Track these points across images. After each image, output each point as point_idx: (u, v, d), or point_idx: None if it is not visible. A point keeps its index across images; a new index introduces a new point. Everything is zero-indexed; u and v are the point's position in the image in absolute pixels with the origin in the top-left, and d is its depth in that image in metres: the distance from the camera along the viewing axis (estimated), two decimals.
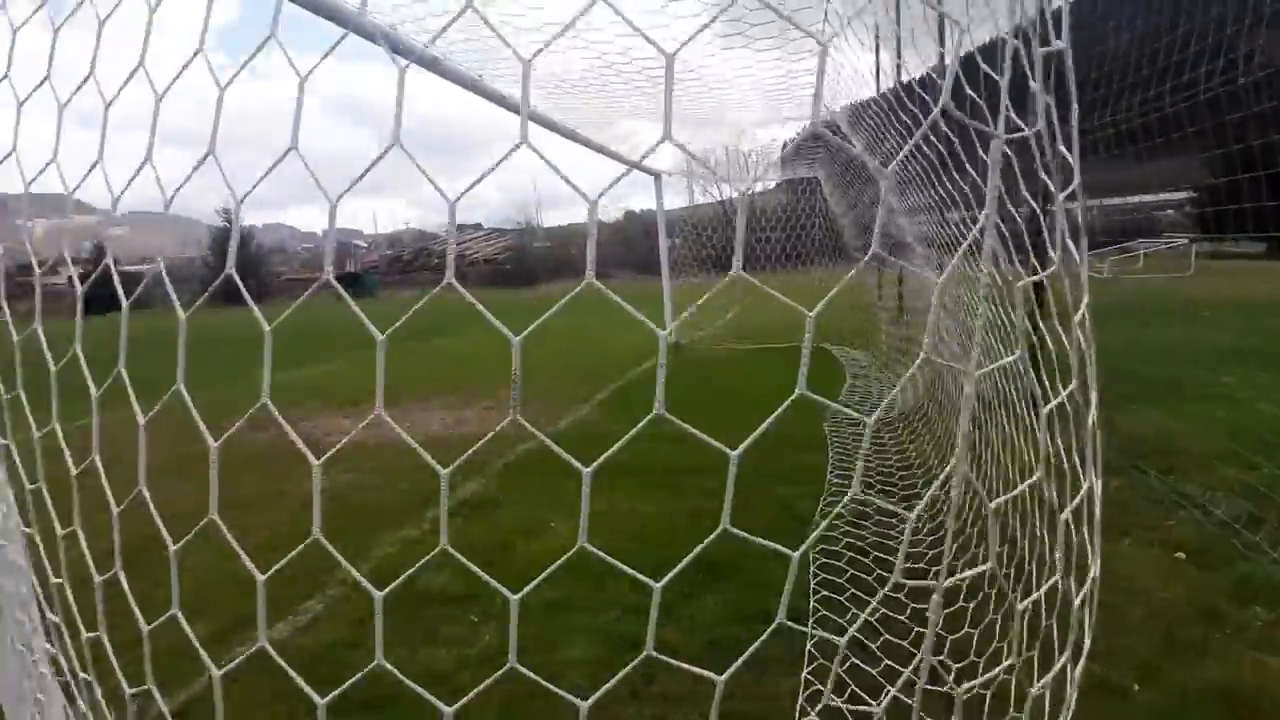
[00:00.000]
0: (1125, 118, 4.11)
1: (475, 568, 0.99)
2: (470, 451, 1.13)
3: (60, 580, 1.49)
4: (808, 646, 2.27)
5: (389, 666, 0.96)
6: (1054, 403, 1.01)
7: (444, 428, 6.38)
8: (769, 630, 1.11)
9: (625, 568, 0.95)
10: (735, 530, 0.86)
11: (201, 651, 1.37)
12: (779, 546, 0.92)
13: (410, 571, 1.09)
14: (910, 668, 1.56)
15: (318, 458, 1.03)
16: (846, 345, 8.68)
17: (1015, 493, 1.15)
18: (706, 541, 0.90)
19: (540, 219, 62.43)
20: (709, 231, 11.92)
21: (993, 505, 0.97)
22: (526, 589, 1.04)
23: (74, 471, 1.43)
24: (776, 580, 2.67)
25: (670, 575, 0.92)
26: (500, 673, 1.09)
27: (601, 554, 0.94)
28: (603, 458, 0.91)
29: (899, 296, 7.75)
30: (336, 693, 0.92)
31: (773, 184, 13.70)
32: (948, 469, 1.06)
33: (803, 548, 1.02)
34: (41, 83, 1.26)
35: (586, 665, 2.36)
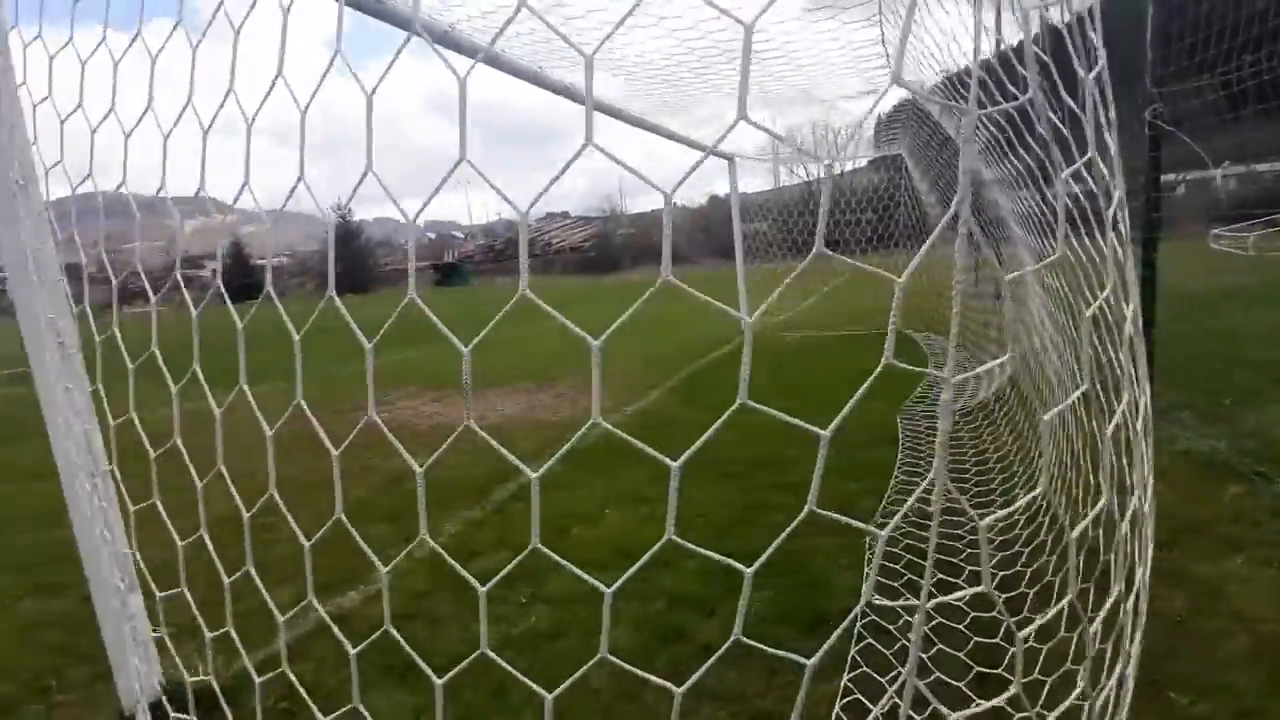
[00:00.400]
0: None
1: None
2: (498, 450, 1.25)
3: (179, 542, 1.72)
4: (852, 651, 2.18)
5: (491, 655, 1.16)
6: (1092, 308, 0.97)
7: (519, 411, 6.56)
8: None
9: (709, 553, 0.97)
10: (822, 511, 0.86)
11: (276, 613, 1.57)
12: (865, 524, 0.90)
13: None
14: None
15: (408, 438, 1.24)
16: (933, 332, 8.18)
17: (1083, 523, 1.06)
18: (785, 533, 0.91)
19: (625, 205, 62.78)
20: (795, 215, 11.57)
21: (1074, 534, 0.92)
22: (490, 583, 1.24)
23: (159, 450, 1.75)
24: (827, 580, 2.65)
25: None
26: (474, 656, 1.21)
27: (690, 545, 1.00)
28: (689, 451, 0.93)
29: (994, 280, 7.23)
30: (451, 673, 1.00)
31: (863, 162, 13.08)
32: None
33: (874, 556, 0.98)
34: (187, 105, 1.46)
35: (628, 654, 2.33)
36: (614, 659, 1.06)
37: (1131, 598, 1.18)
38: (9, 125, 1.86)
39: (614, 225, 60.19)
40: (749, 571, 0.89)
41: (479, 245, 66.49)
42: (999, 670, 1.99)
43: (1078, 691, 1.03)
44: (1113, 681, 1.17)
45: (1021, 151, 2.76)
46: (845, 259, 0.97)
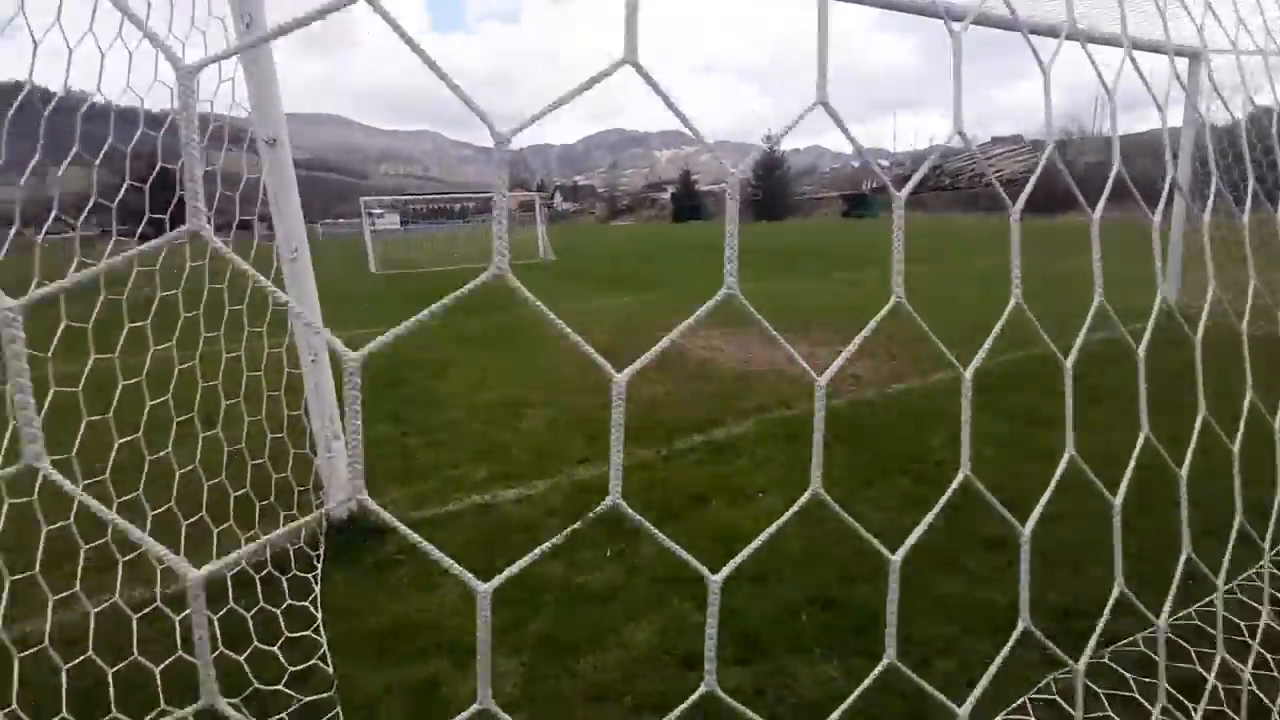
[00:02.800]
0: None
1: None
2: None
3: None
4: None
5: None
6: None
7: (759, 363, 6.08)
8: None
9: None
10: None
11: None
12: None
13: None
14: None
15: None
16: None
17: None
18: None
19: (1098, 128, 49.46)
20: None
21: None
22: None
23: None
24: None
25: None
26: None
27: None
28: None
29: None
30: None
31: None
32: None
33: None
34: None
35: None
36: None
37: None
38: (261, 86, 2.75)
39: (1074, 151, 52.65)
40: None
41: (896, 175, 47.84)
42: None
43: None
44: None
45: None
46: None
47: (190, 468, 2.57)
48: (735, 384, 5.44)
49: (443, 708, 2.06)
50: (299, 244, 2.85)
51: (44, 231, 2.30)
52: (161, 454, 2.50)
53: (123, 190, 2.54)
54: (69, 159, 2.28)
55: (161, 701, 2.00)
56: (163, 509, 2.44)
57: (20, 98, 2.23)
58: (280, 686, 2.11)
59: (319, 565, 2.80)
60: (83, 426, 2.29)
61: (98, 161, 2.39)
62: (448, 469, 3.95)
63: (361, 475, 0.60)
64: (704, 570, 0.73)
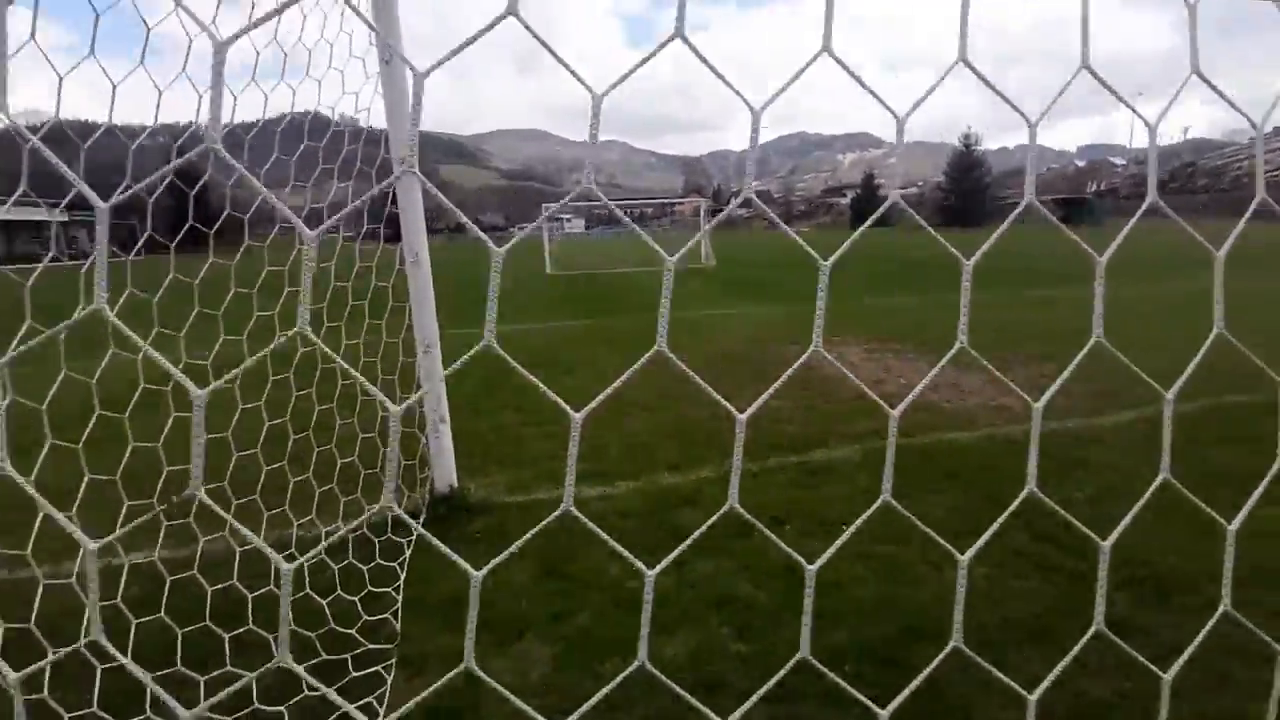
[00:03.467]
0: None
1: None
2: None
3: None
4: None
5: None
6: None
7: (889, 385, 4.65)
8: None
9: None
10: None
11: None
12: None
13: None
14: None
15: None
16: None
17: None
18: None
19: None
20: None
21: None
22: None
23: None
24: None
25: None
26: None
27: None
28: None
29: None
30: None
31: None
32: None
33: None
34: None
35: None
36: None
37: None
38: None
39: None
40: None
41: (1127, 177, 38.41)
42: None
43: None
44: None
45: None
46: None
47: (326, 446, 3.04)
48: (851, 405, 5.09)
49: (469, 678, 2.24)
50: (419, 250, 3.26)
51: (318, 232, 2.96)
52: (302, 433, 3.01)
53: (358, 199, 3.09)
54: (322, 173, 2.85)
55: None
56: (301, 477, 2.94)
57: (306, 125, 2.86)
58: (353, 631, 2.46)
59: (414, 534, 3.18)
60: (238, 413, 2.83)
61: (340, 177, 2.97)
62: (548, 460, 4.22)
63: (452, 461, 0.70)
64: (641, 566, 0.74)
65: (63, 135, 1.76)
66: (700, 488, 3.71)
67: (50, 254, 2.10)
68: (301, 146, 2.90)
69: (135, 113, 2.62)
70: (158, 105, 2.24)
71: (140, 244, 2.44)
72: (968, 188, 58.64)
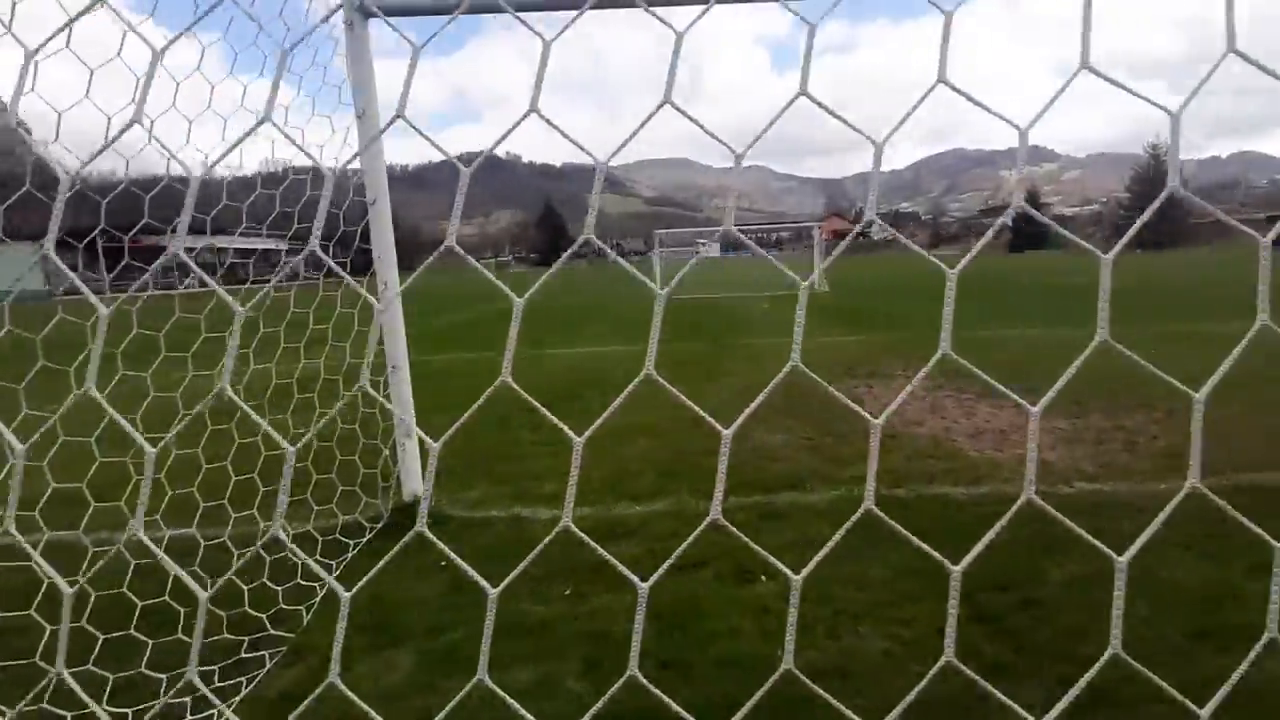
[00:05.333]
0: None
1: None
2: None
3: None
4: None
5: None
6: None
7: (930, 429, 4.98)
8: None
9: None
10: None
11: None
12: None
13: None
14: None
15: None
16: None
17: None
18: None
19: None
20: None
21: None
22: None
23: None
24: None
25: None
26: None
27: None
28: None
29: None
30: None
31: None
32: None
33: None
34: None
35: None
36: None
37: None
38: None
39: None
40: None
41: None
42: None
43: None
44: None
45: None
46: None
47: (302, 463, 3.46)
48: (859, 446, 4.69)
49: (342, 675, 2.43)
50: (390, 279, 3.61)
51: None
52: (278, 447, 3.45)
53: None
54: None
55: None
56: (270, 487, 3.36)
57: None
58: (263, 616, 2.76)
59: (365, 537, 3.49)
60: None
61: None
62: (529, 479, 4.38)
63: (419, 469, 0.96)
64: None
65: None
66: (647, 521, 3.66)
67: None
68: (280, 203, 3.36)
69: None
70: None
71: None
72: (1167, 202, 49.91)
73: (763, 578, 2.99)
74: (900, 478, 4.07)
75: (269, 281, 1.23)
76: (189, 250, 0.89)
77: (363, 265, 3.61)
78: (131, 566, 2.66)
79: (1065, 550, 3.04)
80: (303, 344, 3.33)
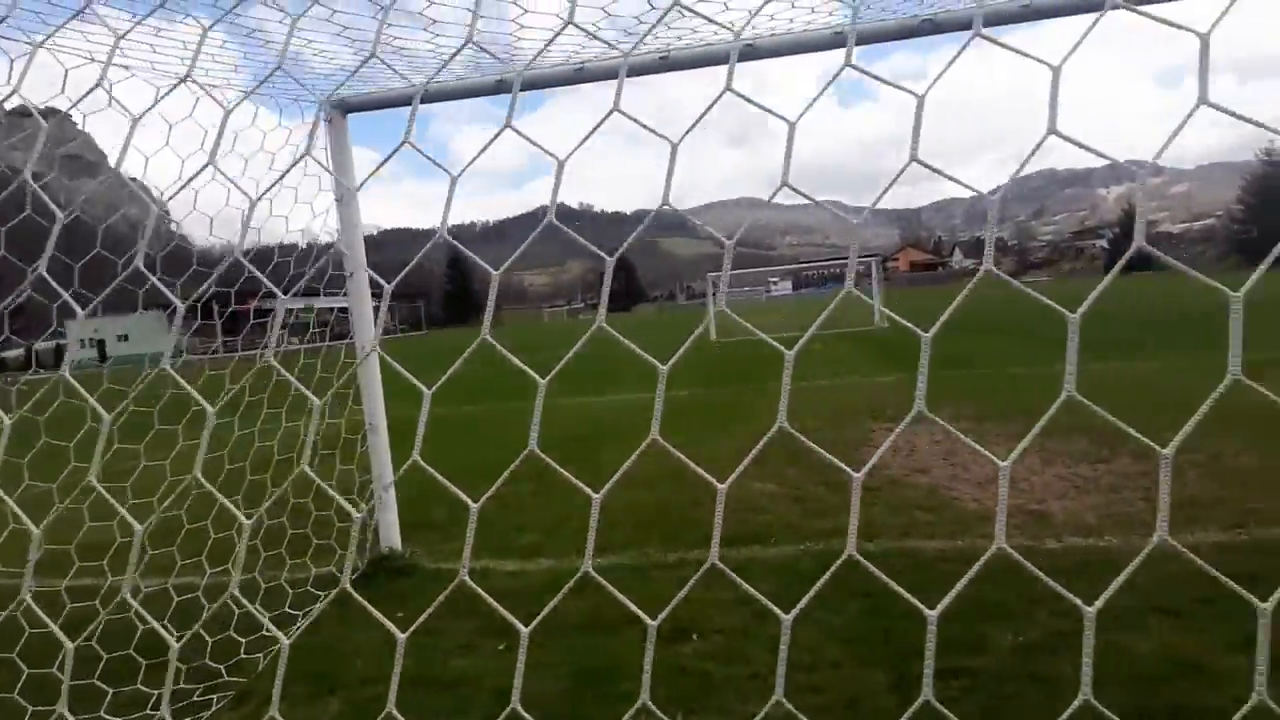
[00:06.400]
0: None
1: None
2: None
3: None
4: None
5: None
6: None
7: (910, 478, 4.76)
8: None
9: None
10: None
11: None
12: None
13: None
14: None
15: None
16: None
17: None
18: None
19: None
20: None
21: None
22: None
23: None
24: None
25: None
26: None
27: None
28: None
29: None
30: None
31: None
32: None
33: None
34: None
35: None
36: None
37: None
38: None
39: None
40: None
41: None
42: None
43: None
44: None
45: None
46: None
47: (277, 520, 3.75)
48: (840, 498, 4.50)
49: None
50: (368, 343, 3.91)
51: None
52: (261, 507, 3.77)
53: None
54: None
55: None
56: (255, 539, 3.67)
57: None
58: (221, 667, 2.99)
59: (339, 586, 3.69)
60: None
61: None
62: (532, 531, 4.46)
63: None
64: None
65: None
66: (603, 573, 3.66)
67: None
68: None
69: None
70: None
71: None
72: (1272, 215, 43.29)
73: (694, 637, 2.93)
74: (877, 530, 3.88)
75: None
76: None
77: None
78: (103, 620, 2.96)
79: (1028, 613, 2.80)
80: (284, 409, 3.65)
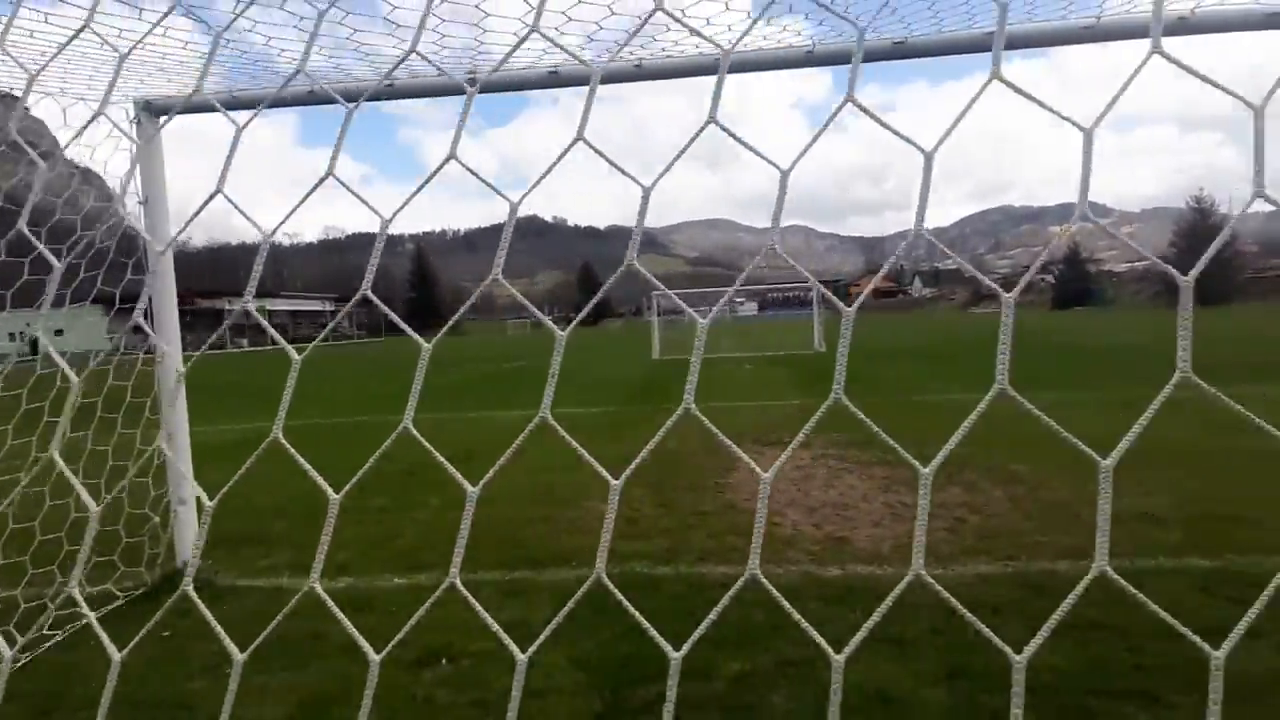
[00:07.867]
0: None
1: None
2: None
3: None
4: None
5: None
6: None
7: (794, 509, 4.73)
8: None
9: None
10: None
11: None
12: None
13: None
14: None
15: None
16: None
17: None
18: None
19: None
20: None
21: None
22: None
23: None
24: None
25: None
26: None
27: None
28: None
29: None
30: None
31: None
32: None
33: None
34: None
35: None
36: None
37: None
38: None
39: None
40: None
41: None
42: None
43: None
44: None
45: None
46: None
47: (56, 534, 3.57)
48: (672, 520, 4.51)
49: None
50: (167, 349, 3.79)
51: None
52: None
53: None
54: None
55: None
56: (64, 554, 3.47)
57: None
58: None
59: (115, 603, 3.54)
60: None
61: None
62: (350, 547, 4.32)
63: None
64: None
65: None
66: (395, 593, 3.60)
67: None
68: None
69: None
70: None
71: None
72: (1199, 258, 46.83)
73: (443, 661, 2.88)
74: (678, 555, 3.90)
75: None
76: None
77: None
78: None
79: (767, 641, 2.83)
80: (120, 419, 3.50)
